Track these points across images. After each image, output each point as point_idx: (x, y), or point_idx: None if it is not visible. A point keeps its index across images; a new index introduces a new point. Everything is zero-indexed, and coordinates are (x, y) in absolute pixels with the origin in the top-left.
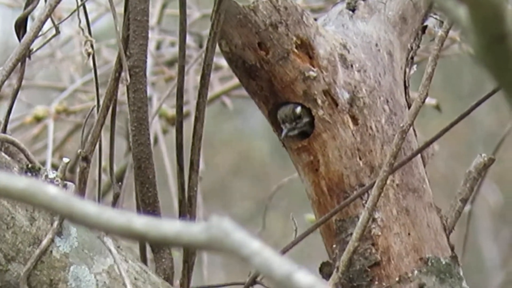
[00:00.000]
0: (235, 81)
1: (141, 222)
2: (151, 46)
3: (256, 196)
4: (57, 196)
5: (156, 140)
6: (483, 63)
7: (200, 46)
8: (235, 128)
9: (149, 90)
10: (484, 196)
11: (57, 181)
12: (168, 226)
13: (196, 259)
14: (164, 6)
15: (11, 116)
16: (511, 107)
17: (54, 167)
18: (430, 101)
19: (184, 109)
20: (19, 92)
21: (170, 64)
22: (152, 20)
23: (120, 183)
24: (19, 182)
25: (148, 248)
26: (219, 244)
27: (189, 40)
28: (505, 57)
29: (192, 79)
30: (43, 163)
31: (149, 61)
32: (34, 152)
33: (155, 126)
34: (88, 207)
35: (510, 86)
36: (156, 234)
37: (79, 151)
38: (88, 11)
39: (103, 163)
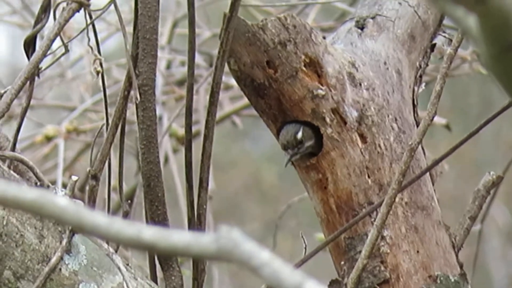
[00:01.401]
0: (245, 100)
1: (151, 233)
2: (162, 65)
3: (266, 216)
4: (67, 207)
5: (166, 159)
6: (493, 73)
7: (210, 65)
8: (244, 149)
9: (159, 110)
10: (493, 216)
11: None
12: (178, 237)
13: (206, 277)
14: (174, 26)
15: (21, 135)
16: None
17: (65, 186)
18: (440, 120)
19: (194, 128)
20: (30, 112)
21: (180, 83)
22: (163, 40)
23: (129, 201)
24: (29, 193)
25: (158, 267)
26: (229, 254)
27: (199, 59)
28: None
29: (203, 98)
30: (54, 182)
31: (160, 80)
32: (45, 171)
33: (166, 145)
34: (98, 218)
35: None
36: (166, 245)
37: (88, 169)
38: (97, 30)
39: (113, 182)
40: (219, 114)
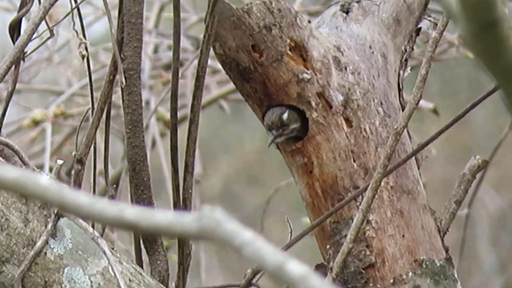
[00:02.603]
0: (232, 84)
1: (133, 212)
2: (149, 49)
3: (257, 201)
4: (49, 186)
5: (154, 143)
6: (474, 52)
7: (198, 49)
8: (232, 132)
9: (147, 94)
10: (483, 201)
11: None
12: (160, 216)
13: (194, 261)
14: (161, 10)
15: (8, 119)
16: (504, 95)
17: (52, 170)
18: (427, 105)
19: (182, 113)
20: (17, 96)
21: (167, 67)
22: (150, 24)
23: (115, 186)
24: (11, 172)
25: (143, 251)
26: (211, 234)
27: (186, 43)
28: (496, 44)
29: (190, 83)
30: (41, 167)
31: (147, 64)
32: (32, 156)
33: (153, 129)
34: (80, 197)
35: (502, 73)
36: (148, 224)
37: (73, 153)
38: (84, 14)
39: (99, 166)
40: (206, 98)
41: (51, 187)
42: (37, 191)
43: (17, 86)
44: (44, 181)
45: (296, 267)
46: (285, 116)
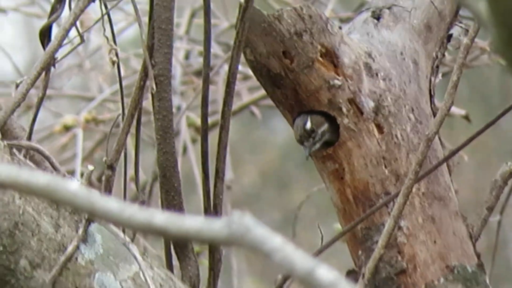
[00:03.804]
0: (263, 90)
1: (163, 218)
2: (180, 55)
3: (286, 206)
4: (78, 192)
5: (185, 149)
6: (504, 58)
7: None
8: (263, 138)
9: (178, 100)
10: None
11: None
12: (190, 222)
13: (225, 267)
14: (192, 16)
15: (40, 125)
16: None
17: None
18: (459, 111)
19: (213, 119)
20: (48, 102)
21: (198, 73)
22: (181, 30)
23: (145, 192)
24: (41, 178)
25: (174, 257)
26: (241, 239)
27: (217, 49)
28: None
29: (221, 89)
30: (72, 172)
31: (178, 70)
32: (63, 161)
33: (184, 135)
34: (110, 203)
35: None
36: (178, 230)
37: (104, 159)
38: (115, 20)
39: (130, 172)
40: (237, 104)
41: (81, 193)
42: (67, 197)
43: (48, 92)
44: (74, 187)
45: (326, 273)
46: (308, 124)
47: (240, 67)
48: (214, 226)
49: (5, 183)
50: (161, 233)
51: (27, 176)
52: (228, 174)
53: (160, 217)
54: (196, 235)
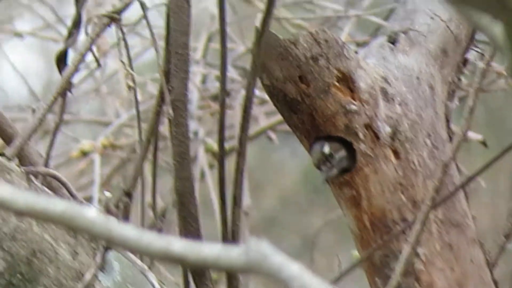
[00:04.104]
0: (280, 115)
1: (181, 245)
2: (197, 80)
3: (304, 231)
4: (96, 219)
5: (202, 174)
6: None
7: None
8: (281, 162)
9: (195, 125)
10: None
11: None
12: (208, 249)
13: None
14: (208, 40)
15: (57, 150)
16: None
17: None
18: (475, 136)
19: (230, 143)
20: (66, 127)
21: (215, 98)
22: (197, 54)
23: (162, 218)
24: (58, 205)
25: (192, 284)
26: (258, 267)
27: (234, 73)
28: None
29: (238, 113)
30: (90, 199)
31: (195, 95)
32: (81, 187)
33: (202, 160)
34: (128, 230)
35: None
36: (196, 258)
37: (121, 186)
38: (132, 45)
39: (147, 198)
40: (254, 129)
41: (98, 220)
42: (84, 224)
43: (65, 117)
44: (91, 214)
45: None
46: (326, 149)
47: (257, 92)
48: (232, 254)
49: (22, 211)
50: (179, 260)
51: (44, 203)
52: (246, 200)
53: (178, 244)
54: (214, 263)
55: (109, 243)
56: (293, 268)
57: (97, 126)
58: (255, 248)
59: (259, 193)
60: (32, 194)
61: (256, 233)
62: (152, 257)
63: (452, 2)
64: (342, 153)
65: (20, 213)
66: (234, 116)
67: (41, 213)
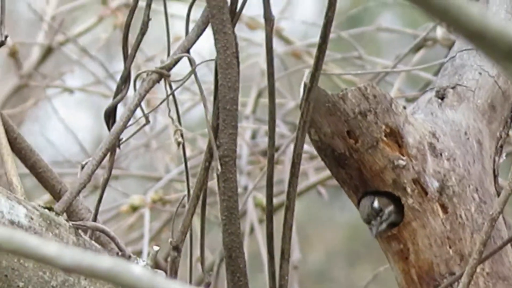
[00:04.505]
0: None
1: None
2: (246, 135)
3: (353, 285)
4: (142, 276)
5: (252, 229)
6: None
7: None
8: (330, 217)
9: (245, 180)
10: None
11: (147, 269)
12: None
13: None
14: (258, 96)
15: (107, 205)
16: None
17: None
18: None
19: (280, 199)
20: (115, 182)
21: (265, 153)
22: (247, 109)
23: (211, 272)
24: (104, 261)
25: None
26: None
27: (284, 129)
28: None
29: (287, 168)
30: (140, 253)
31: (244, 150)
32: (131, 242)
33: (251, 215)
34: (172, 286)
35: None
36: None
37: (170, 240)
38: (182, 100)
39: (196, 253)
40: (304, 184)
41: (144, 276)
42: (130, 280)
43: (115, 172)
44: (137, 270)
45: None
46: (375, 204)
47: (307, 147)
48: None
49: (69, 267)
50: None
51: (90, 260)
52: (295, 254)
53: None
54: None
55: None
56: None
57: (147, 181)
58: None
59: (308, 247)
60: (78, 250)
61: (305, 287)
62: None
63: (498, 60)
64: (391, 208)
65: (67, 270)
66: (283, 171)
67: (88, 270)
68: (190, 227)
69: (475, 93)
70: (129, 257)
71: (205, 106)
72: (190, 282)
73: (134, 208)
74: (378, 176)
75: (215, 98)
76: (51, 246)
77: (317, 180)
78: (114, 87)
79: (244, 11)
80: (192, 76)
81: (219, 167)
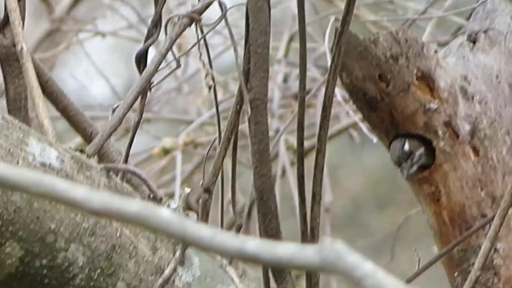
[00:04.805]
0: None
1: (255, 245)
2: (278, 79)
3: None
4: (170, 219)
5: (284, 172)
6: None
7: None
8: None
9: (276, 123)
10: None
11: (179, 211)
12: (282, 249)
13: None
14: (291, 40)
15: (139, 149)
16: None
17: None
18: None
19: (311, 142)
20: (147, 125)
21: (297, 97)
22: (279, 53)
23: (243, 215)
24: (133, 205)
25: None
26: (332, 266)
27: (316, 72)
28: None
29: (319, 112)
30: (172, 195)
31: (276, 94)
32: (162, 185)
33: (283, 158)
34: (202, 230)
35: None
36: (270, 257)
37: (200, 182)
38: (214, 45)
39: (228, 195)
40: (336, 127)
41: (173, 219)
42: (159, 224)
43: (147, 115)
44: (166, 214)
45: None
46: (406, 146)
47: (340, 90)
48: (306, 253)
49: (97, 211)
50: (253, 260)
51: (119, 203)
52: (327, 197)
53: (252, 243)
54: (288, 262)
55: (184, 243)
56: (366, 267)
57: (179, 124)
58: (330, 247)
59: (338, 191)
60: (107, 194)
61: (337, 230)
62: (227, 257)
63: None
64: (421, 150)
65: (95, 213)
66: (315, 115)
67: (116, 213)
68: (221, 170)
69: (507, 37)
70: (161, 199)
71: (235, 50)
72: (222, 224)
73: (166, 151)
74: (410, 119)
75: (246, 42)
76: (80, 189)
77: (348, 123)
78: (145, 31)
79: None
80: (223, 20)
81: (249, 110)
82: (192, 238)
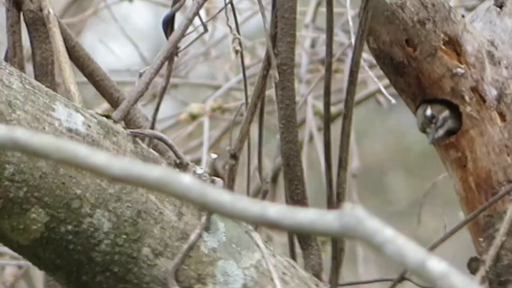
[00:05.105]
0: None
1: (275, 210)
2: (306, 44)
3: (412, 193)
4: (191, 185)
5: (311, 137)
6: None
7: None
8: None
9: (304, 88)
10: None
11: (205, 176)
12: (302, 214)
13: (351, 255)
14: (318, 5)
15: (166, 114)
16: None
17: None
18: None
19: (339, 108)
20: (174, 91)
21: (324, 62)
22: (307, 18)
23: (269, 180)
24: (154, 171)
25: (297, 245)
26: (352, 231)
27: (343, 37)
28: None
29: (347, 77)
30: (199, 161)
31: (304, 59)
32: (190, 150)
33: (310, 124)
34: (223, 196)
35: None
36: (290, 223)
37: (227, 148)
38: (241, 9)
39: (254, 161)
40: (363, 92)
41: (193, 186)
42: (179, 190)
43: (174, 80)
44: (186, 180)
45: (437, 265)
46: (428, 112)
47: (367, 56)
48: (326, 219)
49: (117, 177)
50: (274, 225)
51: (139, 170)
52: (354, 163)
53: (273, 209)
54: (308, 228)
55: (204, 209)
56: (386, 233)
57: (206, 90)
58: (350, 213)
59: (368, 156)
60: (128, 160)
61: (363, 196)
62: (248, 222)
63: None
64: (445, 113)
65: (116, 179)
66: (343, 80)
67: (137, 179)
68: (248, 136)
69: None
70: (187, 164)
71: (263, 15)
72: (248, 190)
73: (193, 117)
74: (436, 84)
75: (273, 7)
76: (100, 155)
77: (376, 88)
78: None
79: None
80: None
81: (277, 75)
82: (212, 204)
